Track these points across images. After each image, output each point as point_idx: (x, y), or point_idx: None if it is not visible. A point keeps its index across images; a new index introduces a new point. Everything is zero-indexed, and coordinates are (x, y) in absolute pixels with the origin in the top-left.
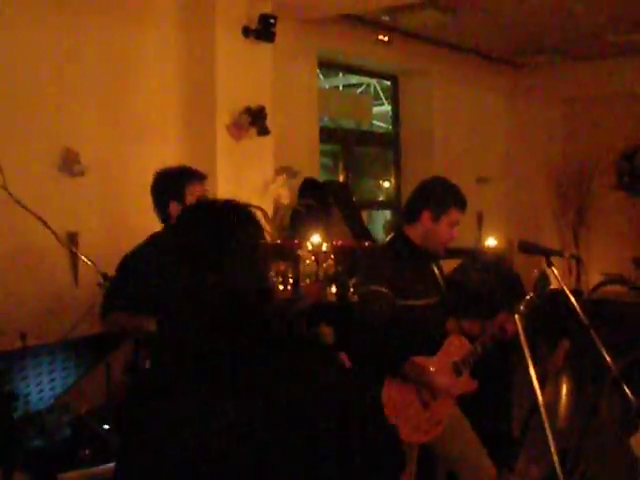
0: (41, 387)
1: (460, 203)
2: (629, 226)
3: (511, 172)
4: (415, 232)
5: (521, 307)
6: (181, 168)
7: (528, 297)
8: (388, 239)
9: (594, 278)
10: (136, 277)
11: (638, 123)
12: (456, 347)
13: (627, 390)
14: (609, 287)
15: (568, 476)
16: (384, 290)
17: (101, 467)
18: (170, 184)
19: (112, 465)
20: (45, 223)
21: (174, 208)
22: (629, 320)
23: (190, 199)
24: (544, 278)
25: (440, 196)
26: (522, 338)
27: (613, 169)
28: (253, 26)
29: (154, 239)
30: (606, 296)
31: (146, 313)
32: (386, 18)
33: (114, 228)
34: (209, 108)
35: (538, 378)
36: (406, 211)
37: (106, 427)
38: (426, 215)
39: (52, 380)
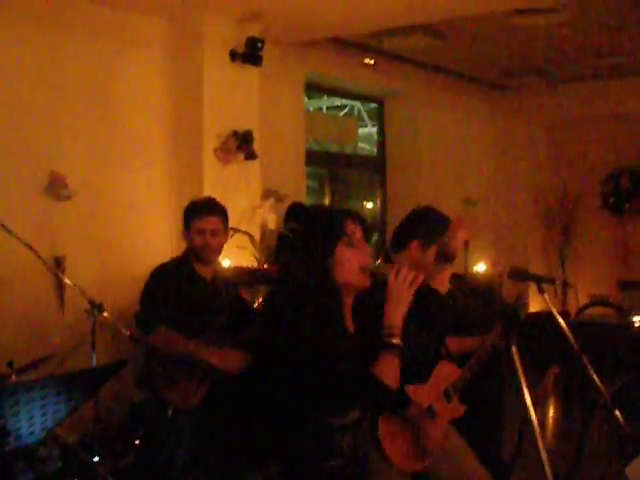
0: (32, 421)
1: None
2: (615, 248)
3: (497, 194)
4: (402, 261)
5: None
6: (193, 202)
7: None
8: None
9: (580, 300)
10: (161, 292)
11: (623, 145)
12: (447, 373)
13: (619, 416)
14: (595, 309)
15: None
16: None
17: None
18: (185, 216)
19: None
20: (31, 247)
21: (186, 237)
22: (614, 343)
23: (193, 232)
24: (520, 298)
25: (430, 227)
26: (516, 361)
27: (599, 191)
28: (240, 49)
29: (176, 262)
30: (591, 319)
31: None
32: (373, 42)
33: (101, 253)
34: (196, 132)
35: (533, 400)
36: (394, 239)
37: (96, 459)
38: (414, 245)
39: (44, 414)
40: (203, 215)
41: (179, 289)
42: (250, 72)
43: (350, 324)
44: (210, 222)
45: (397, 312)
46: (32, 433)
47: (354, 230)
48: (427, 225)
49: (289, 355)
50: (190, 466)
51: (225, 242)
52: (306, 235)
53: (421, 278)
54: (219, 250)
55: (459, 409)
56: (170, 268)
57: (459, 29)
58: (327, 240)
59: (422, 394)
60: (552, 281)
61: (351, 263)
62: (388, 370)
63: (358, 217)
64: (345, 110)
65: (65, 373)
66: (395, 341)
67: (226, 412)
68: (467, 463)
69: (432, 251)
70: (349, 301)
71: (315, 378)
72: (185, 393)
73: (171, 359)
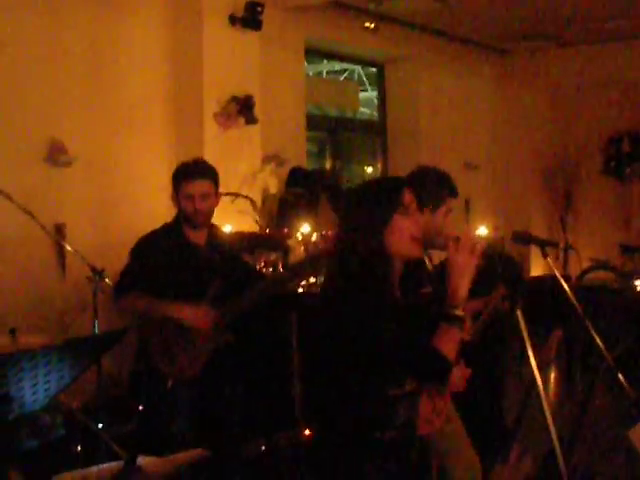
0: (35, 389)
1: (454, 192)
2: (616, 211)
3: (498, 158)
4: None
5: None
6: (182, 165)
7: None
8: None
9: (582, 264)
10: (147, 260)
11: (625, 109)
12: None
13: (622, 380)
14: (597, 273)
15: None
16: None
17: (96, 468)
18: (173, 179)
19: (106, 465)
20: (32, 215)
21: (175, 202)
22: (616, 307)
23: (182, 197)
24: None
25: (436, 188)
26: (522, 324)
27: (600, 155)
28: (240, 14)
29: (166, 228)
30: (593, 283)
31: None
32: (372, 5)
33: (102, 219)
34: (196, 97)
35: (537, 364)
36: None
37: (100, 425)
38: (424, 208)
39: (47, 382)
40: (191, 179)
41: (169, 256)
42: (250, 36)
43: (398, 293)
44: (199, 186)
45: (461, 282)
46: (35, 400)
47: (410, 200)
48: (432, 187)
49: (346, 323)
50: (190, 436)
51: (216, 205)
52: (363, 203)
53: (481, 246)
54: (210, 214)
55: (465, 371)
56: (159, 235)
57: None
58: (384, 209)
59: None
60: (556, 244)
61: (405, 233)
62: (449, 341)
63: (412, 188)
64: (345, 74)
65: (68, 340)
66: (458, 312)
67: (228, 382)
68: (465, 447)
69: (440, 212)
70: (398, 270)
71: (371, 347)
72: (181, 366)
73: (166, 331)
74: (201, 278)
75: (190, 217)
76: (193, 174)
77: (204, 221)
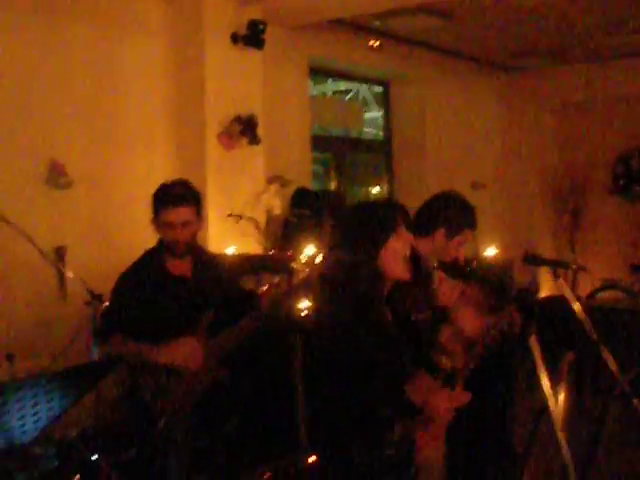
0: (24, 420)
1: (474, 225)
2: (625, 230)
3: (506, 177)
4: (424, 246)
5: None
6: (163, 188)
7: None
8: None
9: (592, 284)
10: (129, 299)
11: (633, 126)
12: None
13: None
14: (606, 293)
15: None
16: None
17: None
18: (153, 202)
19: None
20: (30, 239)
21: (155, 227)
22: (627, 327)
23: (162, 224)
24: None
25: (457, 216)
26: (536, 350)
27: (609, 173)
28: (242, 32)
29: (147, 259)
30: (603, 303)
31: (140, 336)
32: (377, 23)
33: (103, 242)
34: (199, 117)
35: (550, 387)
36: (417, 224)
37: (94, 457)
38: (440, 232)
39: (35, 413)
40: (171, 206)
41: (151, 293)
42: (252, 55)
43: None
44: (179, 213)
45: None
46: (24, 432)
47: (400, 222)
48: (454, 214)
49: (347, 344)
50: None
51: (200, 229)
52: (360, 227)
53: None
54: (193, 241)
55: (464, 396)
56: (139, 269)
57: (466, 9)
58: (380, 232)
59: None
60: (568, 265)
61: (398, 255)
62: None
63: (403, 209)
64: (350, 94)
65: (57, 371)
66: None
67: (223, 415)
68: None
69: (455, 241)
70: (386, 290)
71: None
72: (174, 401)
73: (159, 370)
74: (187, 312)
75: (170, 246)
76: (172, 200)
77: (186, 250)
